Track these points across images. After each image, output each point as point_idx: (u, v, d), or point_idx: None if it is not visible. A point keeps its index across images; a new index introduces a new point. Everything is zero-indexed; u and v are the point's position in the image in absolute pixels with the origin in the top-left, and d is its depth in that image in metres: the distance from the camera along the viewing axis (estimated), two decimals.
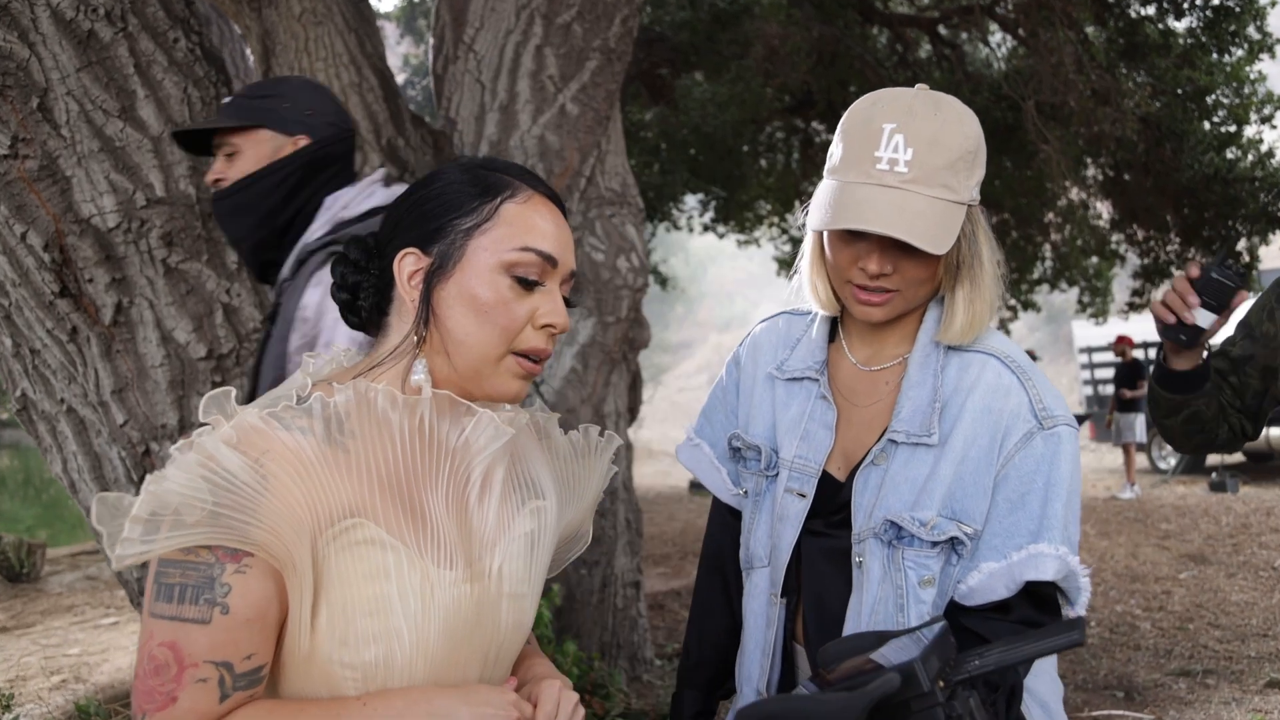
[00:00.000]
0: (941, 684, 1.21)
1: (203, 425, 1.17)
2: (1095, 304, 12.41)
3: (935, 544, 1.55)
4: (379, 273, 1.34)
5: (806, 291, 1.76)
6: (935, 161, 1.50)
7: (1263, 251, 10.71)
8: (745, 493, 1.80)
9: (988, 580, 1.53)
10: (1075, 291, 12.63)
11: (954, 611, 1.57)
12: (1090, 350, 17.99)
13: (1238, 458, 15.03)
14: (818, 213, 1.57)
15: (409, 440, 1.26)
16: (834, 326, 1.79)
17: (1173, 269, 11.17)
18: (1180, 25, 9.67)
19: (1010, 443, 1.55)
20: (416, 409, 1.26)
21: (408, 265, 1.29)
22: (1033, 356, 12.63)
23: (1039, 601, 1.55)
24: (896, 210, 1.48)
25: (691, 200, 13.31)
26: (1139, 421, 13.24)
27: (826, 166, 1.63)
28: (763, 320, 1.92)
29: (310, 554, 1.17)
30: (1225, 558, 8.44)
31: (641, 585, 4.97)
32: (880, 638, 1.31)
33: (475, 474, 1.31)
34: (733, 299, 50.70)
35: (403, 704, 1.19)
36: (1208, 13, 9.36)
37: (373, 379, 1.29)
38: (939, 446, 1.57)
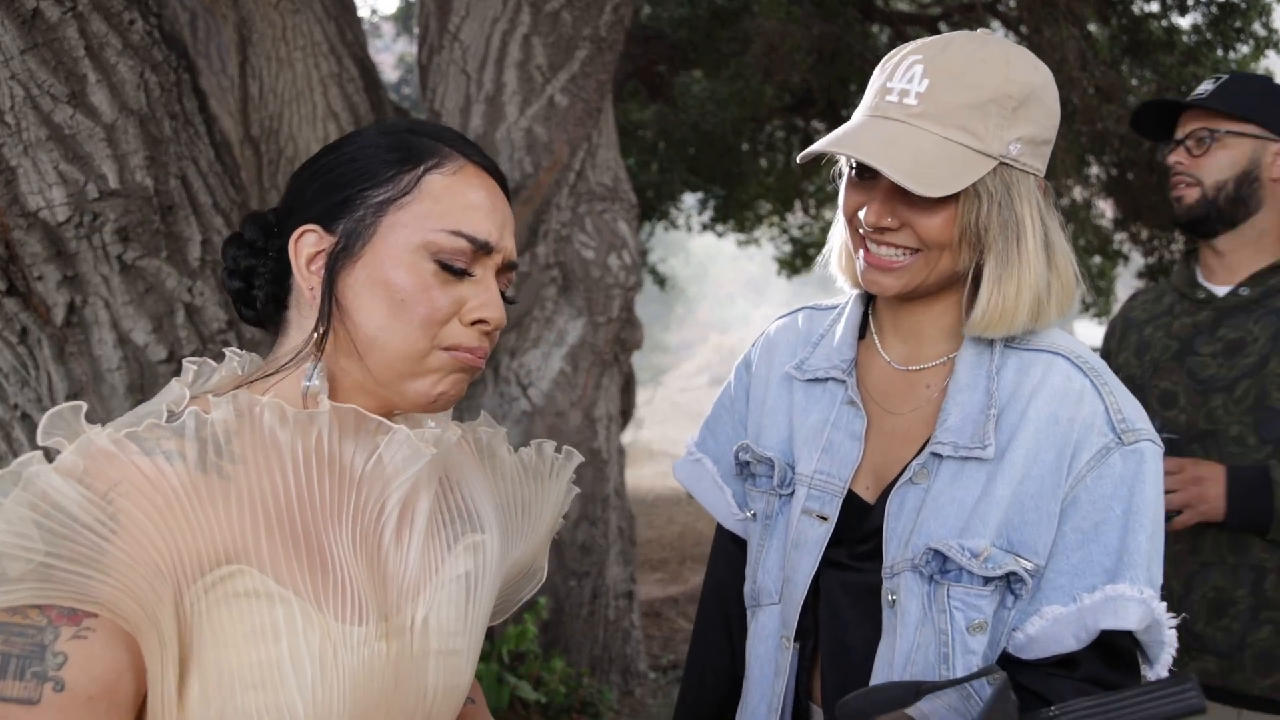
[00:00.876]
0: None
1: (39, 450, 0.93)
2: (1098, 304, 12.25)
3: (989, 580, 1.27)
4: (277, 255, 1.11)
5: (834, 262, 1.51)
6: (955, 98, 1.25)
7: None
8: (753, 515, 1.53)
9: (1052, 628, 1.26)
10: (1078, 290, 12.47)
11: (1005, 666, 1.29)
12: (1093, 350, 17.86)
13: None
14: (808, 149, 1.34)
15: (303, 465, 1.03)
16: (864, 322, 1.53)
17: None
18: (1185, 22, 9.57)
19: (1081, 460, 1.27)
20: (312, 426, 1.04)
21: (307, 246, 1.08)
22: None
23: (1112, 656, 1.28)
24: (885, 141, 1.25)
25: (690, 199, 13.17)
26: None
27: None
28: (779, 317, 1.66)
29: (174, 611, 0.94)
30: None
31: (635, 595, 4.80)
32: (916, 690, 1.10)
33: (391, 505, 1.09)
34: (733, 300, 50.55)
35: None
36: (1213, 9, 9.25)
37: (265, 388, 1.07)
38: (994, 461, 1.30)
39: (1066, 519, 1.27)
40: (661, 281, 15.12)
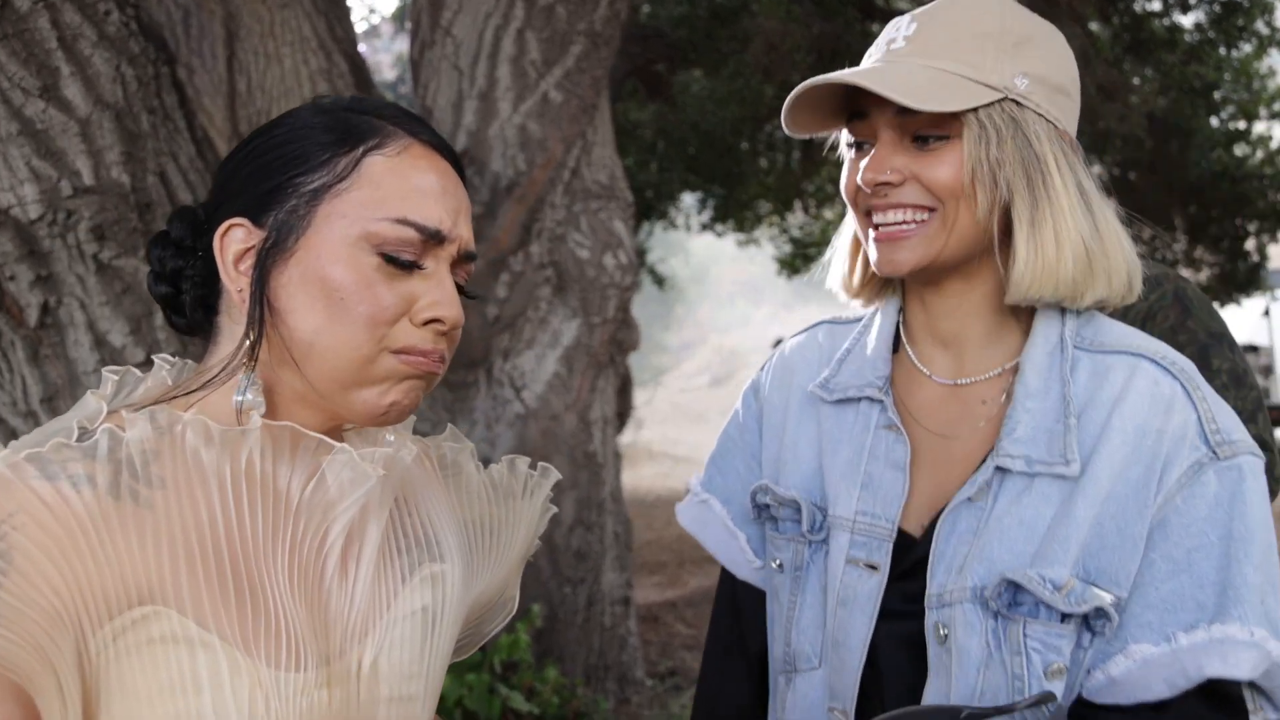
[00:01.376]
0: None
1: None
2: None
3: (1068, 617, 1.08)
4: (205, 254, 0.98)
5: (836, 273, 1.35)
6: (945, 34, 1.14)
7: (1272, 250, 10.56)
8: (779, 565, 1.31)
9: (1140, 671, 1.08)
10: None
11: (1080, 710, 1.13)
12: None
13: None
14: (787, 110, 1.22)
15: (232, 491, 0.90)
16: (898, 334, 1.33)
17: (1179, 268, 11.03)
18: (1187, 20, 9.53)
19: (1171, 477, 1.09)
20: (241, 446, 0.90)
21: (234, 242, 0.95)
22: None
23: (1215, 700, 1.08)
24: (877, 75, 1.12)
25: (689, 199, 13.10)
26: None
27: None
28: (793, 335, 1.46)
29: (76, 661, 0.82)
30: None
31: (632, 601, 4.71)
32: (958, 714, 0.98)
33: (334, 535, 0.95)
34: (733, 301, 50.55)
35: None
36: (1215, 7, 9.22)
37: (190, 404, 0.94)
38: (1075, 478, 1.12)
39: (1154, 545, 1.09)
40: (660, 282, 15.06)
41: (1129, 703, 1.09)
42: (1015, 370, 1.21)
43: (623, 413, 5.09)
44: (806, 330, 1.45)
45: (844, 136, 1.26)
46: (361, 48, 4.17)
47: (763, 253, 15.39)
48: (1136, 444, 1.11)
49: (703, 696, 1.45)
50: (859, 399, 1.29)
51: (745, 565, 1.41)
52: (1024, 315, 1.24)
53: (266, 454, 0.92)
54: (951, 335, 1.26)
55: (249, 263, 0.94)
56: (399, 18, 16.67)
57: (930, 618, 1.15)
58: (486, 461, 1.23)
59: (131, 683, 0.84)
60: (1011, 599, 1.10)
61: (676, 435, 25.83)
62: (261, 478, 0.92)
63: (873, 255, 1.21)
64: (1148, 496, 1.10)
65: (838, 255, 1.36)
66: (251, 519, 0.91)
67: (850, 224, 1.31)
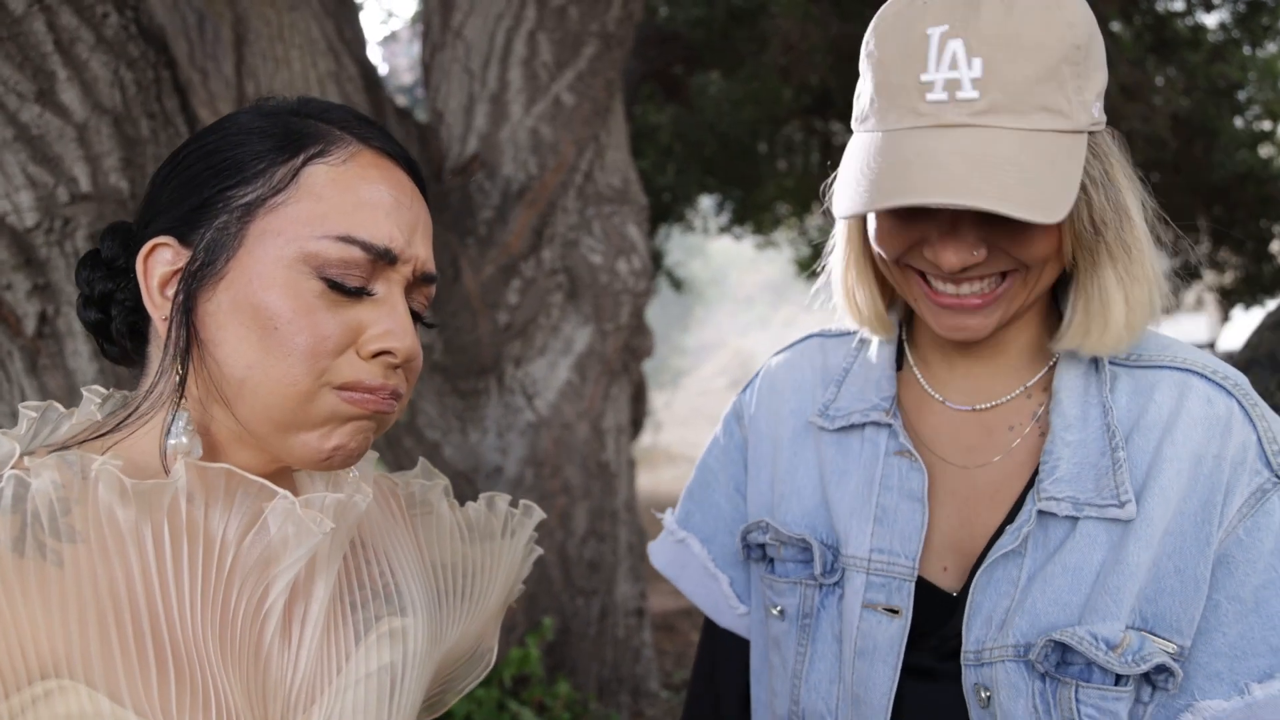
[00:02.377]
0: None
1: None
2: None
3: (1126, 677, 0.96)
4: (133, 276, 0.89)
5: (841, 306, 1.19)
6: (1022, 71, 0.92)
7: None
8: (781, 612, 1.17)
9: None
10: None
11: None
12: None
13: None
14: (848, 191, 0.98)
15: (154, 546, 0.79)
16: (900, 349, 1.21)
17: (1203, 270, 10.94)
18: (1211, 19, 9.47)
19: (1233, 507, 0.98)
20: (163, 498, 0.79)
21: (159, 264, 0.85)
22: None
23: None
24: (972, 163, 0.91)
25: (707, 201, 13.06)
26: None
27: (854, 114, 1.06)
28: (780, 350, 1.32)
29: None
30: None
31: (646, 613, 4.64)
32: None
33: (274, 594, 0.84)
34: (752, 303, 50.52)
35: None
36: (1239, 7, 9.15)
37: (107, 446, 0.84)
38: (1130, 521, 1.00)
39: (1219, 585, 0.98)
40: (678, 284, 15.01)
41: None
42: (1044, 388, 1.10)
43: (637, 420, 5.02)
44: (794, 345, 1.31)
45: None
46: (380, 52, 4.14)
47: (781, 255, 15.33)
48: (1193, 473, 1.00)
49: None
50: (864, 424, 1.16)
51: (729, 612, 1.28)
52: (1043, 322, 1.12)
53: (196, 501, 0.82)
54: (973, 361, 1.13)
55: (175, 286, 0.85)
56: (417, 21, 16.69)
57: (969, 677, 1.04)
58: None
59: None
60: (1060, 659, 0.98)
61: (695, 438, 25.80)
62: (190, 529, 0.81)
63: (931, 320, 1.07)
64: (1209, 531, 0.98)
65: (839, 291, 1.20)
66: (176, 577, 0.80)
67: (842, 248, 1.17)
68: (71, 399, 2.68)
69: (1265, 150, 9.71)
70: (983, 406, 1.12)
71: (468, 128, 4.18)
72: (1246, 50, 9.35)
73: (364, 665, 0.91)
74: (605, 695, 4.31)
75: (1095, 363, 1.08)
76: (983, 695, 1.02)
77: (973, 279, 1.01)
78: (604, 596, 4.34)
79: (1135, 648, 0.96)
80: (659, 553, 1.35)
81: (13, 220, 2.47)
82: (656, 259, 11.67)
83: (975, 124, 0.93)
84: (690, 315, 42.70)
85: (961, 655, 1.05)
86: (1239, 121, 9.66)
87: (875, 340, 1.22)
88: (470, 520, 1.11)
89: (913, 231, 1.01)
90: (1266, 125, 9.76)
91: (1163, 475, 1.00)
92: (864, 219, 1.10)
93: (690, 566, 1.31)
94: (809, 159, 12.11)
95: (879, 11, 1.01)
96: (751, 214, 12.77)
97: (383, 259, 0.85)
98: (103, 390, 0.96)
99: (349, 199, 0.84)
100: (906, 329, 1.21)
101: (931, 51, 0.94)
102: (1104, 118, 1.02)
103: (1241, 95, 9.49)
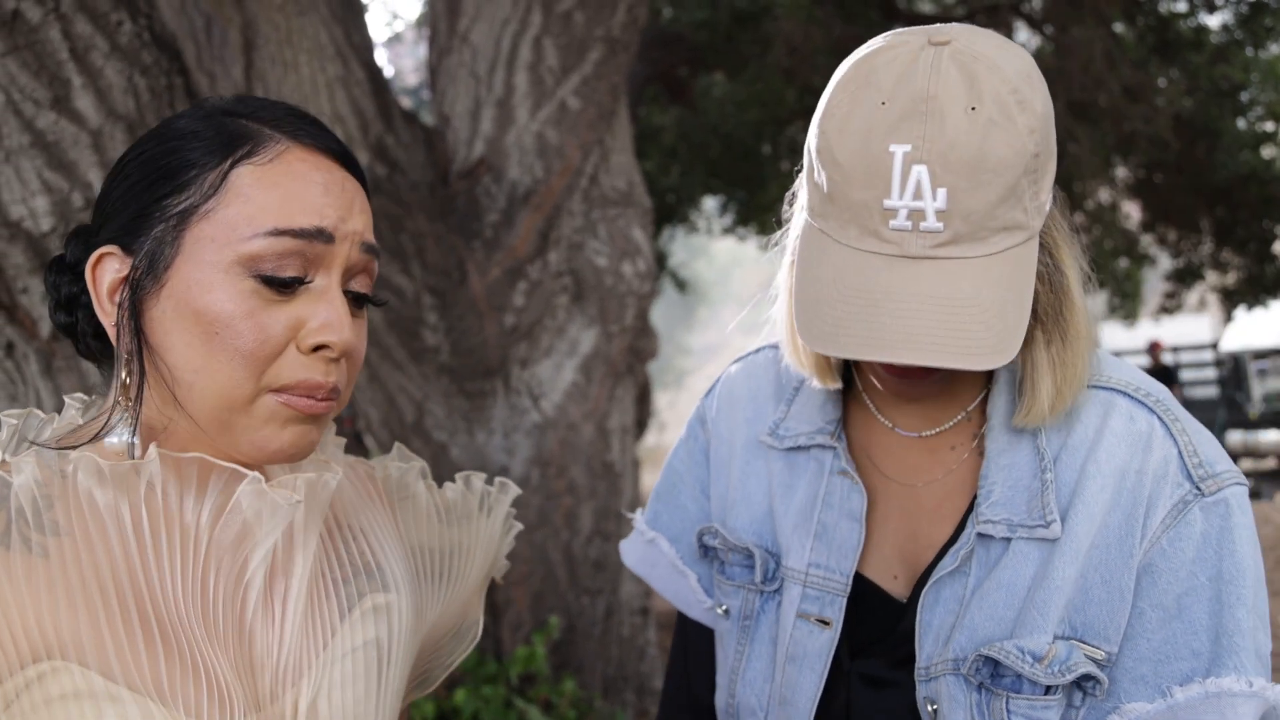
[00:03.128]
0: None
1: None
2: (1125, 307, 12.11)
3: (1054, 688, 1.02)
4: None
5: (787, 353, 1.23)
6: (985, 198, 0.95)
7: None
8: (726, 611, 1.25)
9: None
10: (1105, 294, 12.34)
11: None
12: (1120, 354, 17.68)
13: (1271, 463, 14.70)
14: (808, 312, 1.01)
15: (133, 530, 0.83)
16: (848, 370, 1.26)
17: (1205, 271, 10.97)
18: (1214, 21, 9.48)
19: (1155, 519, 1.03)
20: (138, 479, 0.84)
21: (106, 272, 0.88)
22: None
23: None
24: (940, 312, 0.94)
25: (711, 203, 13.09)
26: None
27: (808, 197, 1.08)
28: (739, 358, 1.38)
29: None
30: (1269, 573, 8.11)
31: (650, 611, 4.68)
32: None
33: (251, 569, 0.88)
34: (757, 303, 50.49)
35: None
36: (1242, 8, 9.16)
37: (87, 443, 0.88)
38: (1056, 540, 1.05)
39: (1142, 594, 1.03)
40: (682, 285, 15.03)
41: None
42: (982, 410, 1.15)
43: (641, 421, 5.05)
44: (751, 355, 1.37)
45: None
46: (384, 54, 4.17)
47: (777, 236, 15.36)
48: (1116, 488, 1.05)
49: None
50: (810, 446, 1.22)
51: (696, 605, 1.35)
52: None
53: (170, 489, 0.86)
54: (918, 397, 1.17)
55: (123, 294, 0.88)
56: (421, 24, 16.71)
57: (920, 691, 1.10)
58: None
59: None
60: (992, 671, 1.04)
61: None
62: (166, 514, 0.86)
63: (880, 384, 1.14)
64: (1133, 543, 1.03)
65: (785, 338, 1.25)
66: (157, 559, 0.84)
67: (787, 292, 1.21)
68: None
69: (1268, 151, 9.73)
70: (928, 433, 1.17)
71: (474, 132, 4.22)
72: (1249, 52, 9.36)
73: (350, 639, 0.94)
74: (610, 693, 4.35)
75: None
76: (930, 709, 1.08)
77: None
78: (609, 595, 4.38)
79: (1062, 658, 1.01)
80: (630, 551, 1.42)
81: (29, 225, 2.51)
82: (660, 260, 11.69)
83: (937, 257, 0.96)
84: (694, 316, 42.71)
85: (915, 671, 1.10)
86: (1241, 123, 9.67)
87: None
88: (448, 501, 1.15)
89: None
90: (1269, 126, 9.77)
91: (1087, 492, 1.04)
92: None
93: (659, 565, 1.37)
94: None
95: (831, 99, 1.02)
96: (755, 215, 12.79)
97: (317, 239, 0.87)
98: (85, 396, 0.99)
99: (276, 194, 0.86)
100: (854, 363, 1.24)
101: (895, 176, 0.95)
102: (1050, 197, 1.05)
103: (1244, 96, 9.50)
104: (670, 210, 11.56)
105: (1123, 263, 11.77)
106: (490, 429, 4.21)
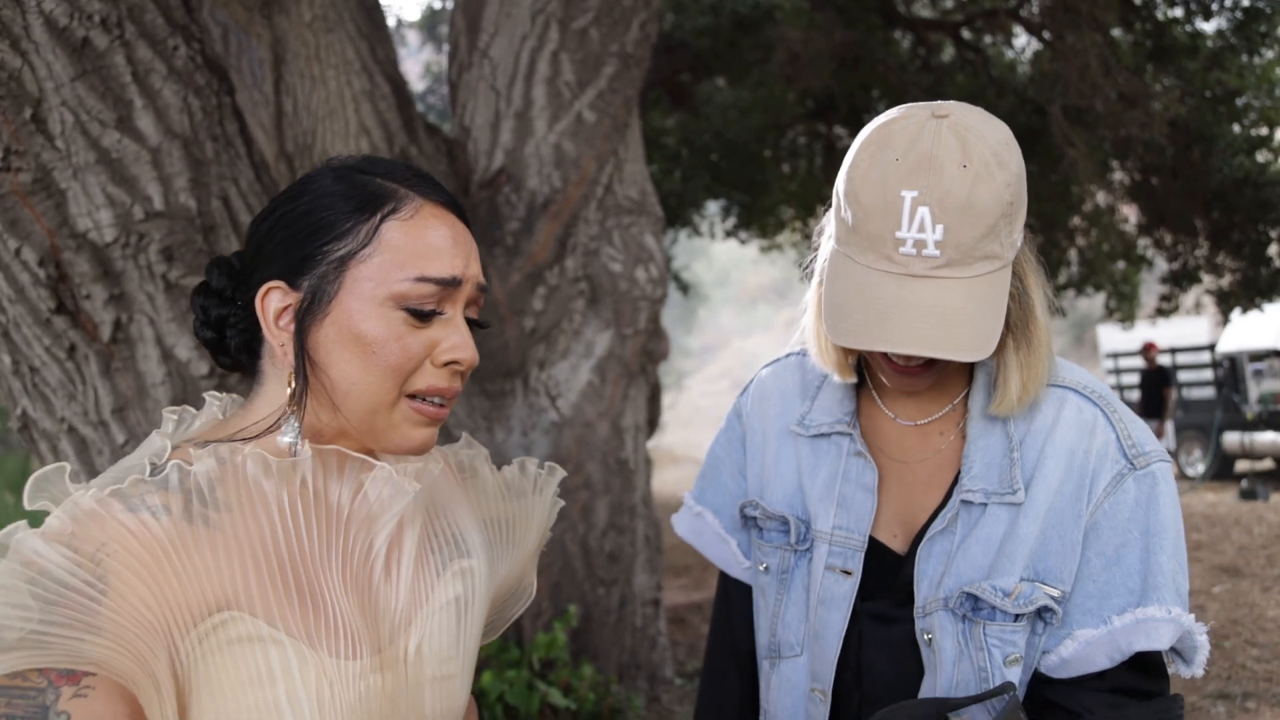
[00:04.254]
0: None
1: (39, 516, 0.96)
2: (1122, 309, 12.24)
3: (1021, 616, 1.31)
4: (245, 306, 1.12)
5: (813, 352, 1.50)
6: (972, 233, 1.23)
7: None
8: (766, 569, 1.54)
9: (1085, 650, 1.31)
10: (1102, 296, 12.47)
11: (1038, 683, 1.36)
12: (1117, 355, 17.81)
13: (1267, 464, 14.81)
14: (835, 313, 1.29)
15: (289, 510, 1.05)
16: (860, 372, 1.53)
17: (1201, 274, 11.06)
18: (1209, 27, 9.56)
19: (1099, 487, 1.32)
20: (295, 472, 1.06)
21: (273, 303, 1.08)
22: None
23: (1143, 666, 1.32)
24: (931, 315, 1.23)
25: (713, 206, 13.21)
26: (1168, 428, 13.14)
27: (835, 229, 1.36)
28: (769, 363, 1.67)
29: (170, 662, 0.97)
30: (1260, 570, 8.26)
31: (661, 603, 4.86)
32: (942, 705, 1.18)
33: (379, 541, 1.11)
34: (755, 304, 50.57)
35: None
36: (1237, 14, 9.24)
37: (246, 439, 1.09)
38: (1021, 504, 1.34)
39: (1089, 545, 1.32)
40: (685, 288, 15.17)
41: (1077, 675, 1.32)
42: (964, 404, 1.45)
43: (652, 419, 5.23)
44: (780, 360, 1.65)
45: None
46: None
47: (785, 257, 15.47)
48: (1068, 465, 1.34)
49: (705, 684, 1.68)
50: (831, 434, 1.50)
51: (736, 566, 1.63)
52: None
53: (318, 475, 1.08)
54: (917, 393, 1.46)
55: (288, 319, 1.08)
56: (426, 25, 16.83)
57: (918, 625, 1.37)
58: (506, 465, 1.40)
59: (216, 678, 0.98)
60: (973, 607, 1.32)
61: (700, 440, 25.92)
62: (315, 496, 1.07)
63: (886, 380, 1.40)
64: (1081, 507, 1.33)
65: (812, 341, 1.50)
66: (308, 533, 1.06)
67: (815, 306, 1.47)
68: (141, 400, 2.91)
69: (1262, 156, 9.83)
70: (923, 421, 1.46)
71: (494, 143, 4.39)
72: (1244, 58, 9.44)
73: (443, 596, 1.17)
74: (624, 680, 4.52)
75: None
76: (926, 637, 1.36)
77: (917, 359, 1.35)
78: (623, 586, 4.56)
79: (1027, 594, 1.30)
80: (680, 522, 1.71)
81: (93, 236, 2.69)
82: (666, 264, 11.80)
83: (935, 276, 1.24)
84: (694, 318, 42.80)
85: (914, 610, 1.38)
86: (1236, 128, 9.76)
87: None
88: (507, 481, 1.38)
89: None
90: (1263, 131, 9.87)
91: (1045, 468, 1.34)
92: None
93: (706, 533, 1.66)
94: (813, 162, 12.25)
95: (857, 155, 1.30)
96: (756, 218, 12.92)
97: (450, 284, 1.08)
98: (220, 395, 1.19)
99: (419, 246, 1.08)
100: (865, 363, 1.51)
101: (905, 214, 1.23)
102: (1021, 237, 1.32)
103: (1239, 102, 9.58)
104: (673, 214, 11.69)
105: (1120, 265, 11.91)
106: (509, 427, 4.39)
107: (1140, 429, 1.37)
